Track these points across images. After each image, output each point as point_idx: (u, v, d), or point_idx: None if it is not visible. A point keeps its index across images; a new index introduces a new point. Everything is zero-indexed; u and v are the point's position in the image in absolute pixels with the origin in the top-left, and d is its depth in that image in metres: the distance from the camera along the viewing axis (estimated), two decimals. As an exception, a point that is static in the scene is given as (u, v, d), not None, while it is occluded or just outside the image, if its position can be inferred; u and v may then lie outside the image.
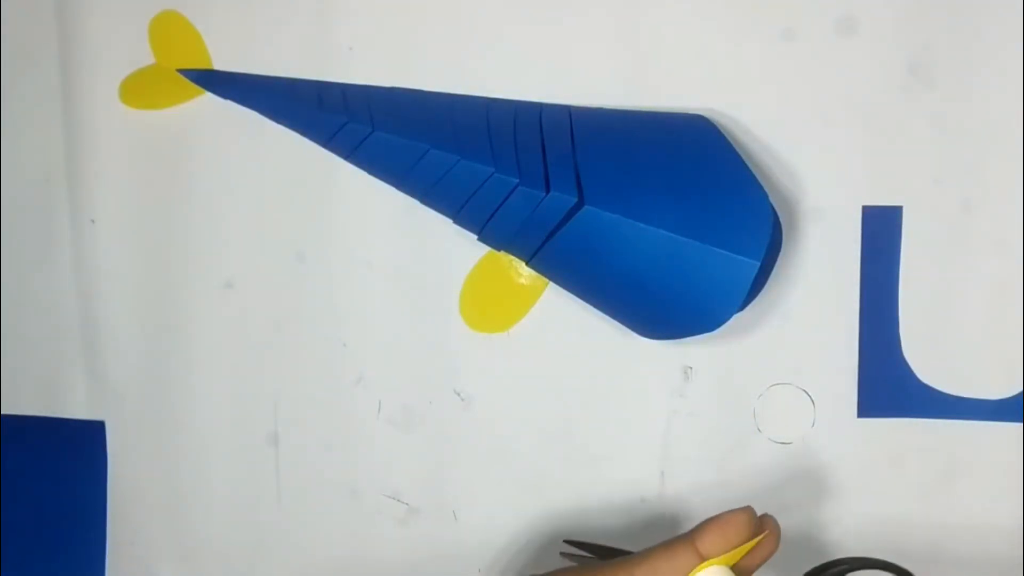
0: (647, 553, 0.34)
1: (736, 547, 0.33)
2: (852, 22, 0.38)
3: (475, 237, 0.39)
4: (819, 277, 0.39)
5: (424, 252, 0.41)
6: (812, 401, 0.40)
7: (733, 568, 0.34)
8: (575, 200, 0.36)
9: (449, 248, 0.40)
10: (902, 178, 0.39)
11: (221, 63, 0.42)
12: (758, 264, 0.35)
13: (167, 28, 0.42)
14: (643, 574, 0.33)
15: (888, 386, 0.39)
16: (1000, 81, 0.38)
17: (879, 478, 0.39)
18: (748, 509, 0.34)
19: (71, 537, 0.44)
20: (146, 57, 0.42)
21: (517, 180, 0.37)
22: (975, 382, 0.39)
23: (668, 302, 0.36)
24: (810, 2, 0.39)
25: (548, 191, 0.37)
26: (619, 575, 0.34)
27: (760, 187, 0.36)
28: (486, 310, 0.41)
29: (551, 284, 0.40)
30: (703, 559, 0.33)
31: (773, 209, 0.36)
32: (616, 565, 0.34)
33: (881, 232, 0.39)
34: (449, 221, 0.40)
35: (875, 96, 0.38)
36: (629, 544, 0.41)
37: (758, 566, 0.34)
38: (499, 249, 0.39)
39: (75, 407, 0.44)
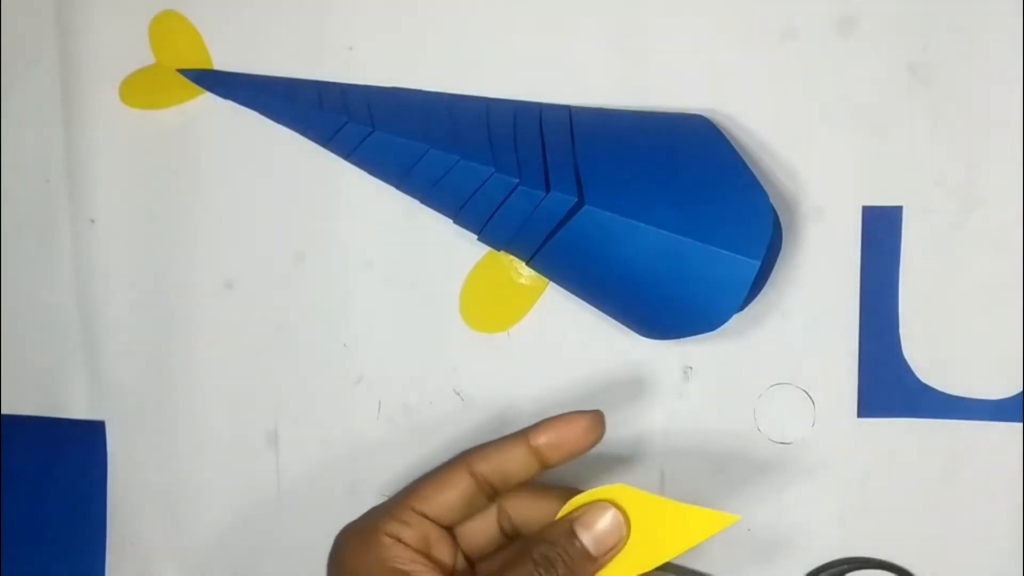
0: (482, 445, 0.35)
1: (569, 446, 0.35)
2: (852, 22, 0.38)
3: (475, 237, 0.39)
4: (819, 277, 0.39)
5: (424, 252, 0.41)
6: (812, 401, 0.40)
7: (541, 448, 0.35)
8: (575, 200, 0.36)
9: (449, 248, 0.40)
10: (902, 178, 0.39)
11: (221, 63, 0.42)
12: (758, 264, 0.35)
13: (167, 28, 0.42)
14: (476, 461, 0.35)
15: (888, 386, 0.39)
16: (1000, 81, 0.38)
17: (879, 478, 0.39)
18: (594, 413, 0.35)
19: (71, 537, 0.44)
20: (146, 57, 0.42)
21: (517, 180, 0.37)
22: (975, 382, 0.39)
23: (668, 302, 0.36)
24: (810, 2, 0.39)
25: (548, 191, 0.37)
26: (457, 466, 0.35)
27: (760, 187, 0.36)
28: (486, 310, 0.41)
29: (551, 284, 0.40)
30: (532, 449, 0.34)
31: (773, 209, 0.36)
32: (455, 459, 0.35)
33: (881, 232, 0.39)
34: (449, 221, 0.39)
35: (875, 96, 0.38)
36: (629, 544, 0.41)
37: (578, 452, 0.35)
38: (499, 249, 0.39)
39: (75, 407, 0.44)
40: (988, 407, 0.39)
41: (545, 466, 0.35)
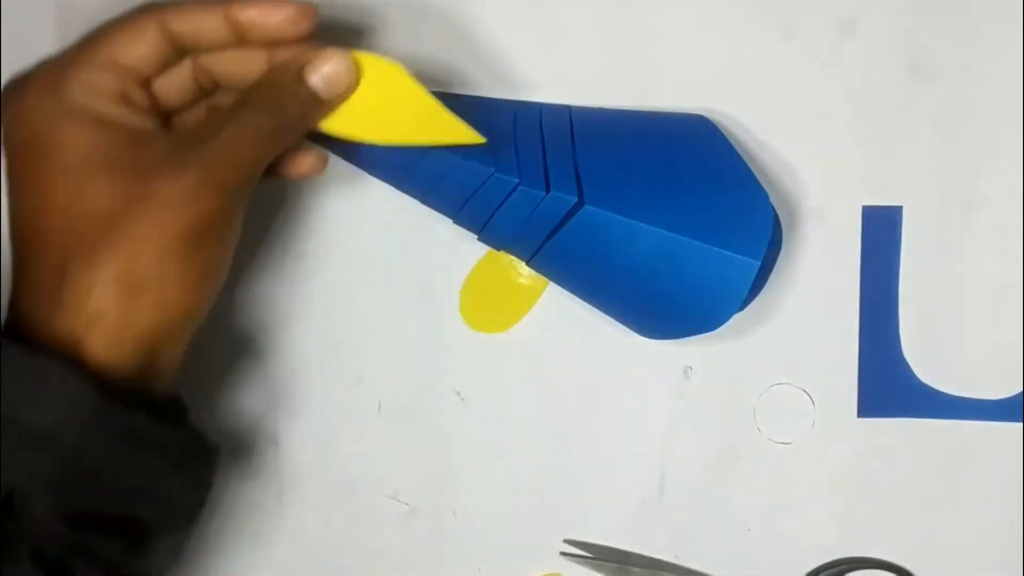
0: (178, 2, 0.33)
1: (271, 30, 0.33)
2: (852, 22, 0.38)
3: (475, 237, 0.39)
4: (819, 277, 0.39)
5: (424, 252, 0.41)
6: (812, 401, 0.40)
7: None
8: (575, 200, 0.36)
9: (449, 248, 0.40)
10: (902, 178, 0.39)
11: (221, 63, 0.41)
12: (758, 264, 0.35)
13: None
14: (170, 17, 0.32)
15: (888, 386, 0.39)
16: (1000, 81, 0.38)
17: (879, 478, 0.40)
18: (303, 5, 0.33)
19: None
20: (146, 57, 0.42)
21: (517, 180, 0.37)
22: (975, 382, 0.39)
23: (668, 302, 0.36)
24: (810, 2, 0.39)
25: (548, 191, 0.37)
26: (147, 16, 0.32)
27: (760, 187, 0.36)
28: (486, 310, 0.41)
29: (551, 284, 0.40)
30: (232, 22, 0.32)
31: (773, 209, 0.36)
32: (144, 9, 0.33)
33: (881, 232, 0.39)
34: (449, 221, 0.39)
35: (875, 96, 0.39)
36: (630, 544, 0.41)
37: (278, 39, 0.33)
38: (499, 249, 0.39)
39: (75, 407, 0.44)
40: (988, 407, 0.39)
41: (241, 41, 0.33)
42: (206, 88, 0.35)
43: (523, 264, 0.39)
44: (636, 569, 0.40)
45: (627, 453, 0.41)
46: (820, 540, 0.40)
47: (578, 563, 0.40)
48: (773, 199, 0.37)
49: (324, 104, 0.33)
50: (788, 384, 0.40)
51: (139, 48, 0.32)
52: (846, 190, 0.39)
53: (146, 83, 0.33)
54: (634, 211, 0.36)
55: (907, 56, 0.38)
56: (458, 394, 0.41)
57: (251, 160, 0.32)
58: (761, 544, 0.40)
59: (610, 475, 0.41)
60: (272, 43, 0.33)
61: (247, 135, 0.32)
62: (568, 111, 0.38)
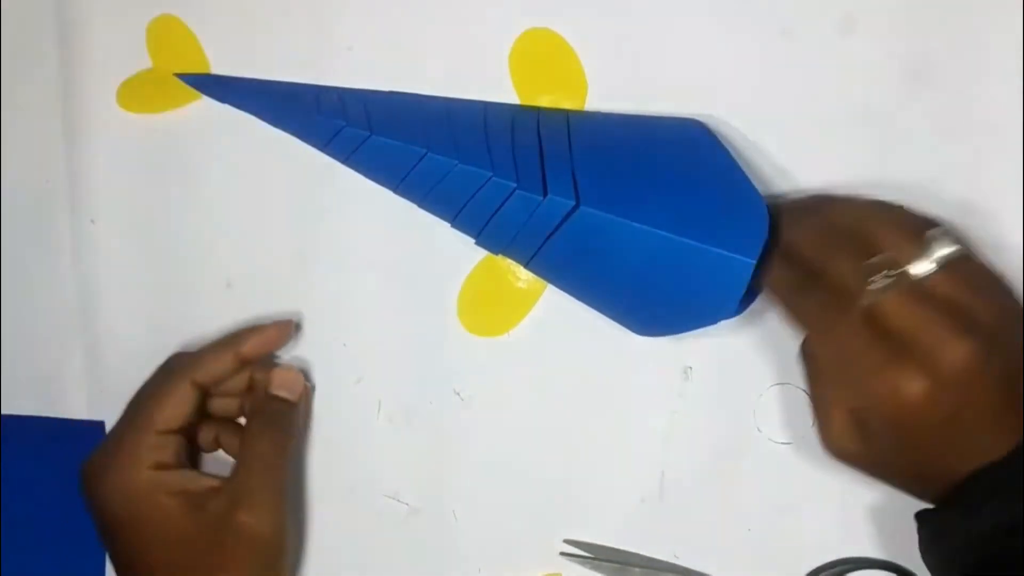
0: (195, 355, 0.40)
1: (268, 349, 0.41)
2: (852, 22, 0.38)
3: (473, 240, 0.39)
4: (819, 277, 0.39)
5: (424, 252, 0.41)
6: (812, 401, 0.40)
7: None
8: (572, 203, 0.36)
9: (449, 249, 0.40)
10: (902, 178, 0.39)
11: (219, 67, 0.42)
12: (753, 263, 0.35)
13: (164, 32, 0.42)
14: (197, 374, 0.39)
15: (888, 386, 0.39)
16: (1000, 81, 0.38)
17: (879, 478, 0.39)
18: (285, 323, 0.41)
19: (71, 537, 0.44)
20: (144, 61, 0.42)
21: (515, 184, 0.37)
22: (975, 382, 0.39)
23: (666, 302, 0.36)
24: (810, 2, 0.38)
25: (546, 195, 0.37)
26: (180, 380, 0.39)
27: (754, 188, 0.36)
28: (484, 314, 0.40)
29: (549, 287, 0.40)
30: (238, 356, 0.39)
31: (770, 209, 0.36)
32: (175, 373, 0.40)
33: (881, 232, 0.39)
34: (447, 224, 0.39)
35: (875, 96, 0.38)
36: (629, 544, 0.41)
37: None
38: (497, 253, 0.39)
39: (75, 407, 0.44)
40: (988, 407, 0.39)
41: (243, 366, 0.40)
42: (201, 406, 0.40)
43: (520, 267, 0.39)
44: (636, 569, 0.40)
45: (627, 453, 0.41)
46: (820, 540, 0.40)
47: (578, 563, 0.40)
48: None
49: (294, 402, 0.40)
50: (788, 384, 0.40)
51: (181, 409, 0.39)
52: (846, 190, 0.39)
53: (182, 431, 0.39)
54: (630, 213, 0.36)
55: (907, 56, 0.38)
56: (458, 394, 0.41)
57: (279, 463, 0.39)
58: (761, 544, 0.40)
59: (610, 475, 0.41)
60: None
61: (265, 451, 0.38)
62: (565, 114, 0.38)
